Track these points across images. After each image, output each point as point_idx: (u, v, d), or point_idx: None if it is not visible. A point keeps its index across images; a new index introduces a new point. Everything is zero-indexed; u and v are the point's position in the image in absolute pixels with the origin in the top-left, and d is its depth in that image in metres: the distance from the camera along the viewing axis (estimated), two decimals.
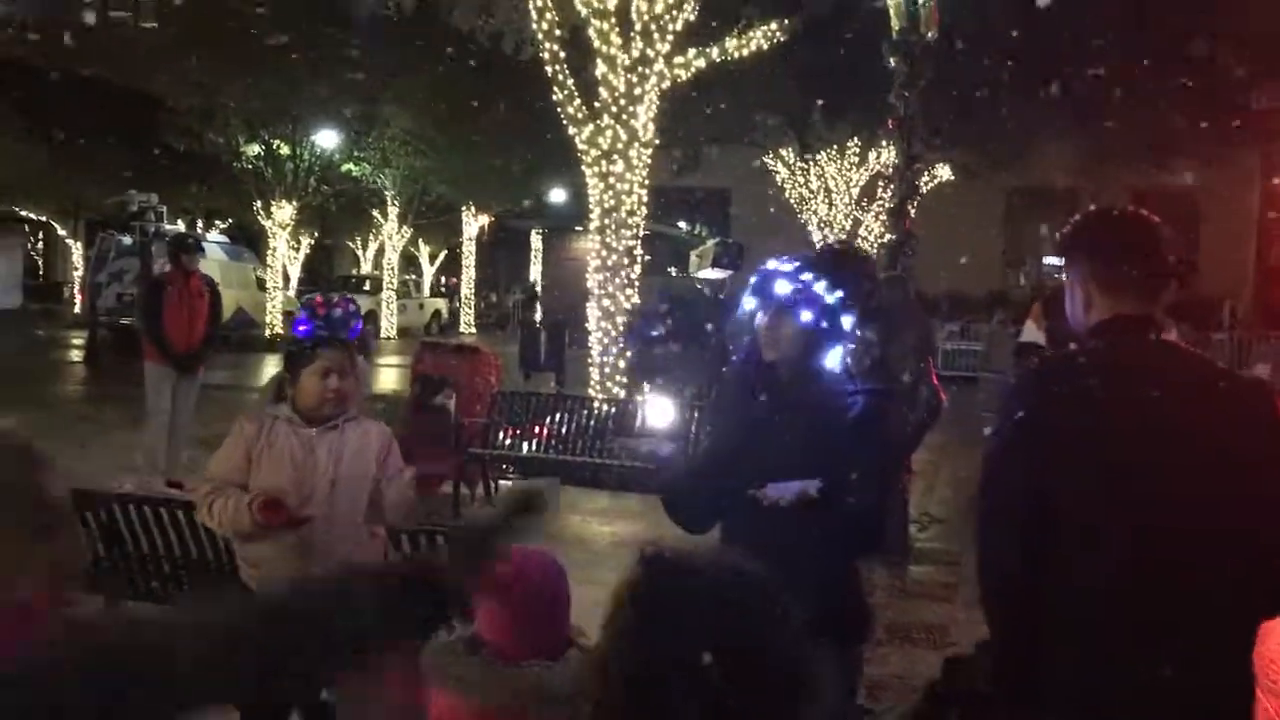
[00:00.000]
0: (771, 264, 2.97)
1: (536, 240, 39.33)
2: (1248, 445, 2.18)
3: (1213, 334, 22.49)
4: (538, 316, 24.77)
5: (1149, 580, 2.11)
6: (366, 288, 33.59)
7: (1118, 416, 2.17)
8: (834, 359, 2.93)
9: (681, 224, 32.15)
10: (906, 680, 5.15)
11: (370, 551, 3.71)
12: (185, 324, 9.19)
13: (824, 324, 2.89)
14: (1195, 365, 2.33)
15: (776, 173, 25.96)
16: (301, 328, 3.64)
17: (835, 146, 24.81)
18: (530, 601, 2.28)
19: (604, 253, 11.64)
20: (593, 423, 9.85)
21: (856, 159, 25.12)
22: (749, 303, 2.94)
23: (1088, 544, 2.11)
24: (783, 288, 2.90)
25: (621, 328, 11.55)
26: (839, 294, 2.92)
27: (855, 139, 24.41)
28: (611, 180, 11.50)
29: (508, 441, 9.59)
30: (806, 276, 2.92)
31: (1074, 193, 27.95)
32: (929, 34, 10.87)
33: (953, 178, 25.06)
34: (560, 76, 11.43)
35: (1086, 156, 24.38)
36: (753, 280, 2.96)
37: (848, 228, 25.45)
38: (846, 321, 2.96)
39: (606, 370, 11.63)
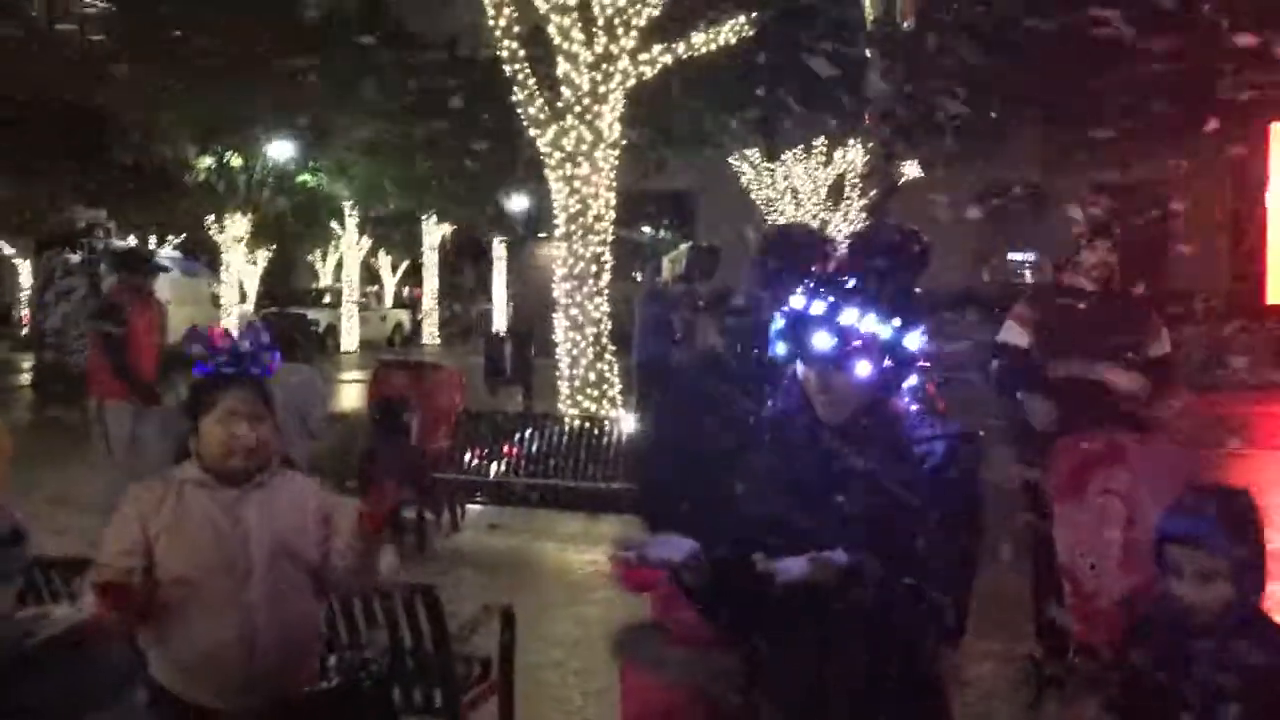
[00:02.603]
0: (797, 300, 2.30)
1: (500, 249, 38.72)
2: None
3: (1185, 327, 22.20)
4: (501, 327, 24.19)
5: None
6: (326, 300, 32.88)
7: None
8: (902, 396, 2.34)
9: (645, 228, 31.64)
10: None
11: (315, 636, 3.09)
12: (148, 352, 8.24)
13: (887, 366, 2.25)
14: None
15: (742, 173, 25.50)
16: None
17: (802, 146, 24.40)
18: None
19: (570, 260, 11.09)
20: (565, 440, 9.28)
21: (823, 159, 24.70)
22: (781, 348, 2.33)
23: None
24: (823, 342, 2.24)
25: (589, 338, 11.00)
26: (896, 321, 2.25)
27: (822, 138, 24.01)
28: (577, 184, 10.96)
29: (474, 463, 9.01)
30: (850, 317, 2.24)
31: (1042, 187, 27.70)
32: (905, 24, 10.45)
33: (922, 174, 24.70)
34: (520, 75, 10.87)
35: (1054, 150, 24.08)
36: (779, 323, 2.33)
37: (816, 228, 25.05)
38: (914, 341, 2.28)
39: (576, 384, 11.08)
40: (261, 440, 2.95)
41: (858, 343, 2.21)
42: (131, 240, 29.89)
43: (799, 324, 2.26)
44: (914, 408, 2.28)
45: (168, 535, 2.88)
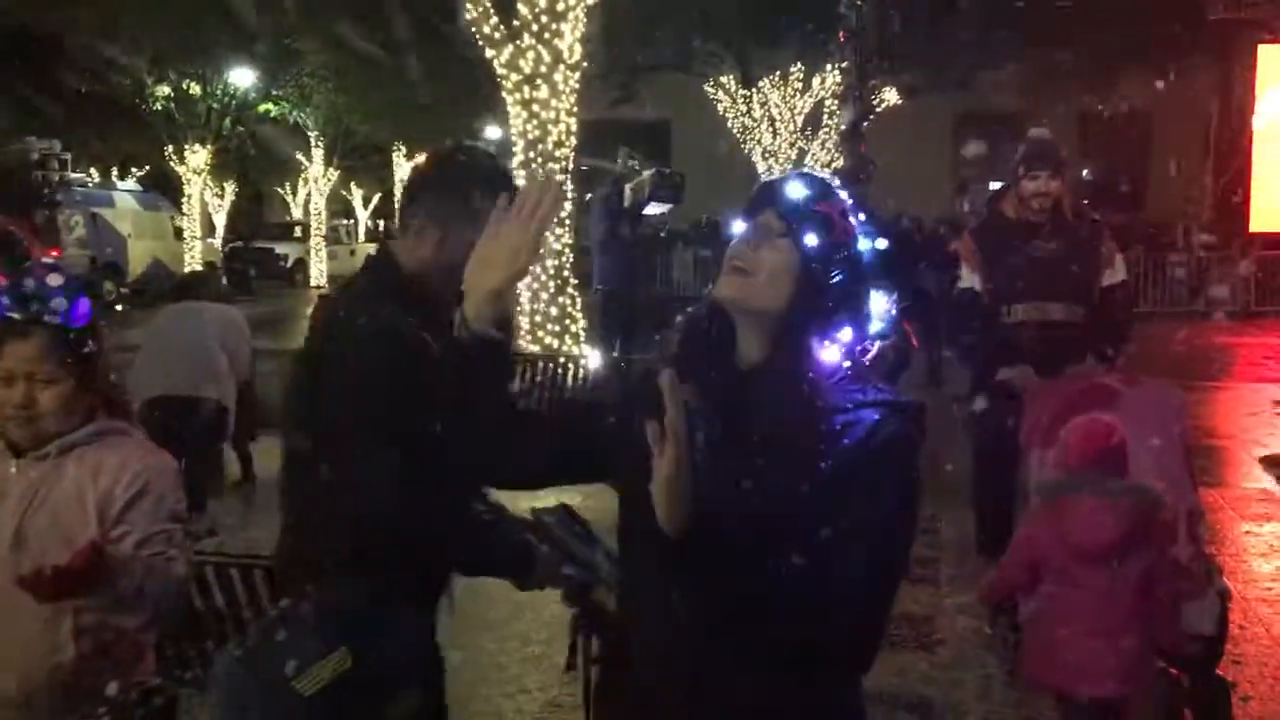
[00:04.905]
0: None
1: None
2: None
3: (1169, 257, 21.82)
4: None
5: None
6: (296, 234, 32.16)
7: None
8: (833, 352, 1.71)
9: (619, 158, 30.97)
10: (898, 696, 4.24)
11: (93, 659, 2.36)
12: None
13: (836, 275, 1.70)
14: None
15: (718, 101, 24.86)
16: None
17: (778, 73, 23.77)
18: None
19: None
20: (525, 379, 8.83)
21: (800, 85, 24.09)
22: (738, 225, 1.78)
23: None
24: (796, 191, 1.74)
25: (550, 271, 10.54)
26: (882, 242, 1.77)
27: (798, 64, 23.39)
28: (535, 108, 10.42)
29: None
30: (837, 197, 1.75)
31: (1022, 116, 27.12)
32: None
33: (900, 101, 24.12)
34: None
35: (1035, 76, 23.51)
36: (753, 194, 1.81)
37: (793, 157, 24.49)
38: (878, 303, 1.75)
39: (537, 319, 10.63)
40: (46, 408, 2.34)
41: (828, 207, 1.71)
42: (94, 174, 29.10)
43: (777, 184, 1.76)
44: (844, 364, 1.72)
45: None
